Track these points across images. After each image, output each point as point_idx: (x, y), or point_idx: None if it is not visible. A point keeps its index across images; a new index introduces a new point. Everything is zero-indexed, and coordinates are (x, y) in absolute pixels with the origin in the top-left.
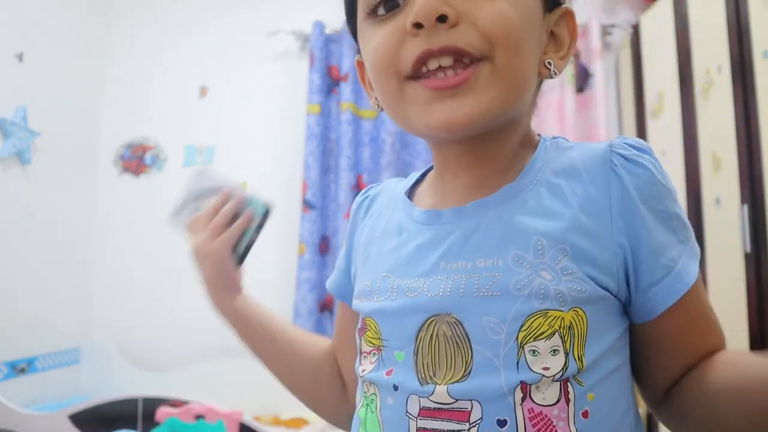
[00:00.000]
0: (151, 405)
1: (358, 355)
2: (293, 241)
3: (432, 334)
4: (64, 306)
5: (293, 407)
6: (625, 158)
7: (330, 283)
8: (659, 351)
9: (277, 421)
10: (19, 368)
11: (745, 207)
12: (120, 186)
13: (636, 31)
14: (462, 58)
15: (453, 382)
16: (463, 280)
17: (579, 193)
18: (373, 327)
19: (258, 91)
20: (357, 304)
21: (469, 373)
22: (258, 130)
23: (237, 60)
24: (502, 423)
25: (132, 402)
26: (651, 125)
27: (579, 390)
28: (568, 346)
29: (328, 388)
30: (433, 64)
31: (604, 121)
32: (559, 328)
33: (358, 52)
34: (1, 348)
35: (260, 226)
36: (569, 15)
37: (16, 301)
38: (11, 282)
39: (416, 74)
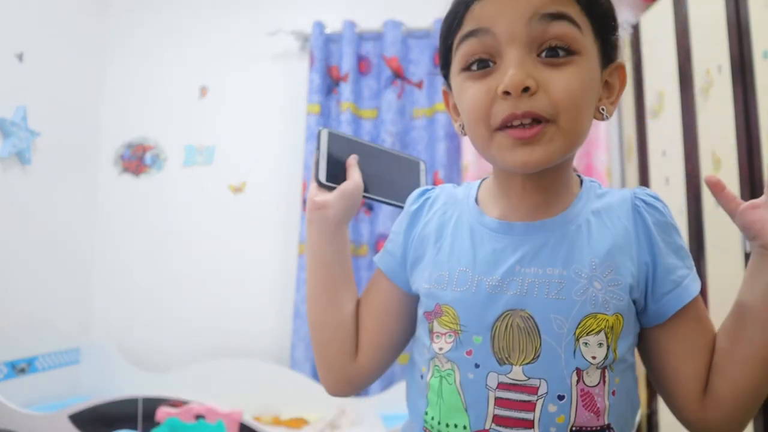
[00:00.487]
0: (151, 405)
1: (429, 334)
2: (293, 241)
3: (507, 324)
4: (64, 306)
5: (293, 407)
6: (645, 202)
7: (384, 264)
8: (677, 353)
9: (277, 421)
10: (19, 368)
11: None
12: (120, 186)
13: (636, 31)
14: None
15: (526, 363)
16: (536, 284)
17: (616, 224)
18: (451, 313)
19: (258, 91)
20: (432, 290)
21: (538, 356)
22: (258, 130)
23: (237, 60)
24: (561, 397)
25: (132, 402)
26: (651, 125)
27: (611, 375)
28: (609, 341)
29: (344, 342)
30: (515, 123)
31: (604, 120)
32: (605, 327)
33: (445, 83)
34: (1, 348)
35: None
36: (621, 67)
37: (16, 300)
38: (11, 282)
39: (502, 127)
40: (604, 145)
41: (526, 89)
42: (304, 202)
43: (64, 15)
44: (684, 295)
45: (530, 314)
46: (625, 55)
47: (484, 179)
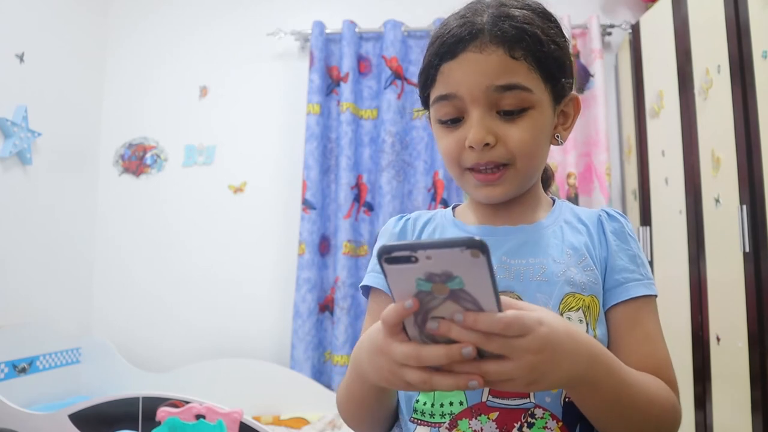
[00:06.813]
0: (152, 405)
1: None
2: (293, 241)
3: None
4: (65, 306)
5: (293, 407)
6: (608, 214)
7: (381, 284)
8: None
9: (277, 421)
10: (20, 368)
11: (744, 207)
12: (120, 186)
13: (636, 31)
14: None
15: None
16: (522, 271)
17: (583, 230)
18: None
19: (258, 91)
20: None
21: None
22: (258, 130)
23: (237, 60)
24: None
25: (132, 402)
26: (651, 125)
27: None
28: (588, 320)
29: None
30: (481, 168)
31: (604, 120)
32: (582, 306)
33: (426, 108)
34: (1, 348)
35: None
36: (575, 98)
37: (17, 300)
38: (12, 282)
39: (471, 169)
40: (603, 145)
41: (487, 144)
42: (304, 202)
43: (65, 15)
44: (623, 294)
45: (518, 295)
46: (624, 54)
47: (455, 205)
